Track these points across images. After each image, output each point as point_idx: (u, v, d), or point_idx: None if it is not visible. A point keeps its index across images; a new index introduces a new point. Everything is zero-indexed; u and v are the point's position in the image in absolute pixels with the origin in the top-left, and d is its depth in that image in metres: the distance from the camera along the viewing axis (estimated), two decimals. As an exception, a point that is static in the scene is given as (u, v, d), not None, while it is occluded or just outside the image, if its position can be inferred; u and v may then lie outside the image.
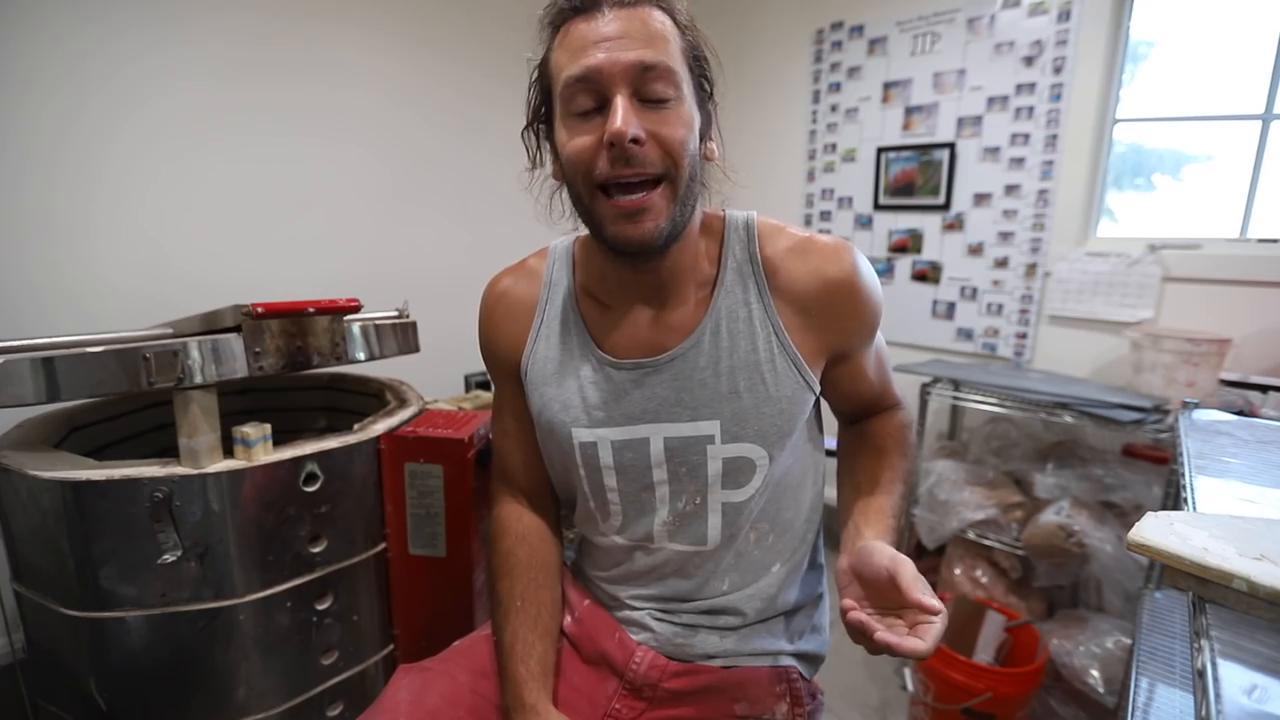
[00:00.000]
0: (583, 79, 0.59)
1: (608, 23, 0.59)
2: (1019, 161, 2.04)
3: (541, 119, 0.68)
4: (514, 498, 0.84)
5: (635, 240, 0.62)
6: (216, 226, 1.73)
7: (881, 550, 0.59)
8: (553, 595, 0.78)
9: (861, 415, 0.83)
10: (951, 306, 2.25)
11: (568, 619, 0.83)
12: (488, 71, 2.27)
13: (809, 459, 0.79)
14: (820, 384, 0.74)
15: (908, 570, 0.56)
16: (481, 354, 0.83)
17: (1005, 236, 2.10)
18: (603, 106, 0.60)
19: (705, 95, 0.66)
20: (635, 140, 0.58)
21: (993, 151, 2.08)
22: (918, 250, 2.30)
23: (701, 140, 0.65)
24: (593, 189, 0.62)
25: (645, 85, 0.59)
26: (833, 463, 0.85)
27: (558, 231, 0.76)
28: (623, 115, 0.58)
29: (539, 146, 0.71)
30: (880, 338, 0.78)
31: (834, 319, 0.70)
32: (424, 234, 2.21)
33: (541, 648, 0.72)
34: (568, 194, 0.67)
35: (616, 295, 0.73)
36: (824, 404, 0.81)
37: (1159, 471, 1.69)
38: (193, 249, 1.69)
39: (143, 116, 1.58)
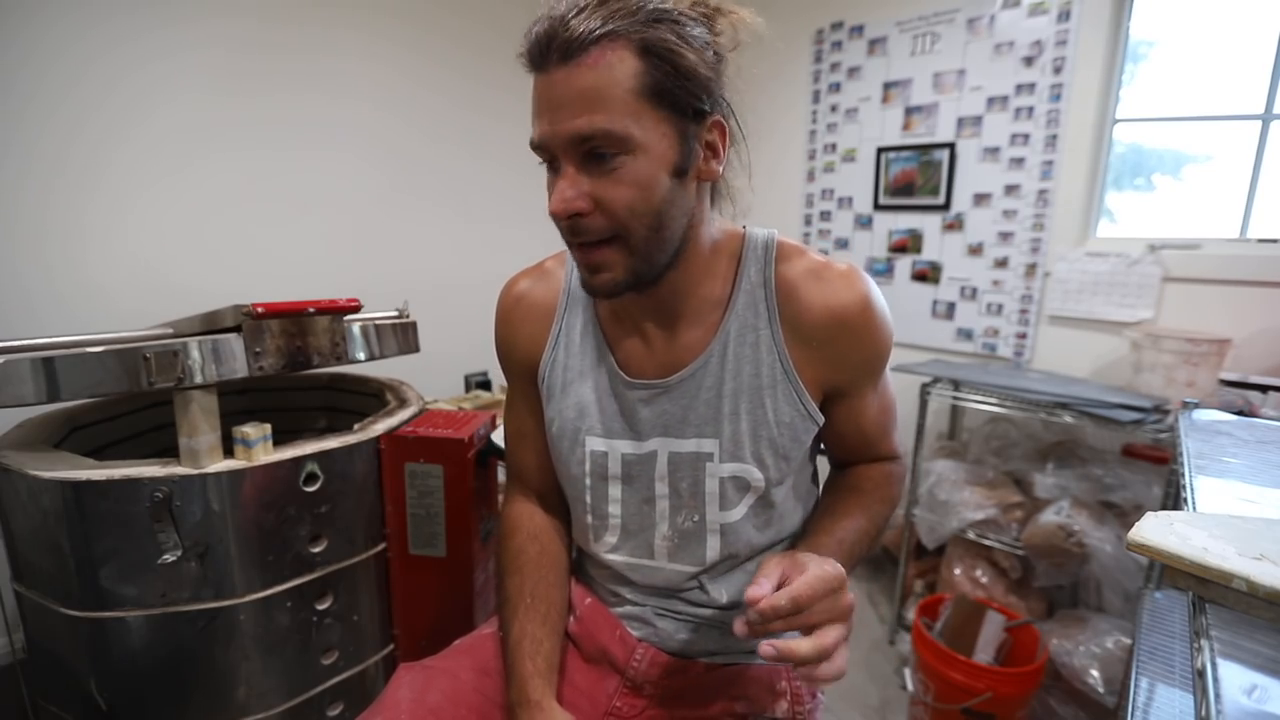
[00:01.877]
0: (537, 147, 0.60)
1: (553, 84, 0.57)
2: (1019, 161, 2.04)
3: None
4: (526, 497, 0.84)
5: (595, 289, 0.65)
6: (218, 232, 1.73)
7: (790, 557, 0.57)
8: (561, 594, 0.78)
9: (853, 460, 0.80)
10: (951, 306, 2.25)
11: (569, 617, 0.83)
12: (484, 79, 2.28)
13: (809, 487, 0.80)
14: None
15: (799, 574, 0.54)
16: (497, 354, 0.82)
17: (1005, 236, 2.10)
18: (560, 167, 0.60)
19: (699, 116, 0.61)
20: (577, 214, 0.59)
21: (993, 151, 2.08)
22: (918, 250, 2.30)
23: (682, 172, 0.61)
24: (565, 238, 0.64)
25: (587, 152, 0.58)
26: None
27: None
28: (559, 194, 0.59)
29: None
30: (889, 384, 0.76)
31: (837, 350, 0.69)
32: (424, 235, 2.21)
33: (549, 645, 0.72)
34: None
35: (629, 311, 0.73)
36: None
37: (1159, 471, 1.69)
38: (193, 256, 1.69)
39: (146, 124, 1.58)
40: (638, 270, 0.63)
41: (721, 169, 0.65)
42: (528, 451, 0.83)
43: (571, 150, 0.58)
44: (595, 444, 0.74)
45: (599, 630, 0.80)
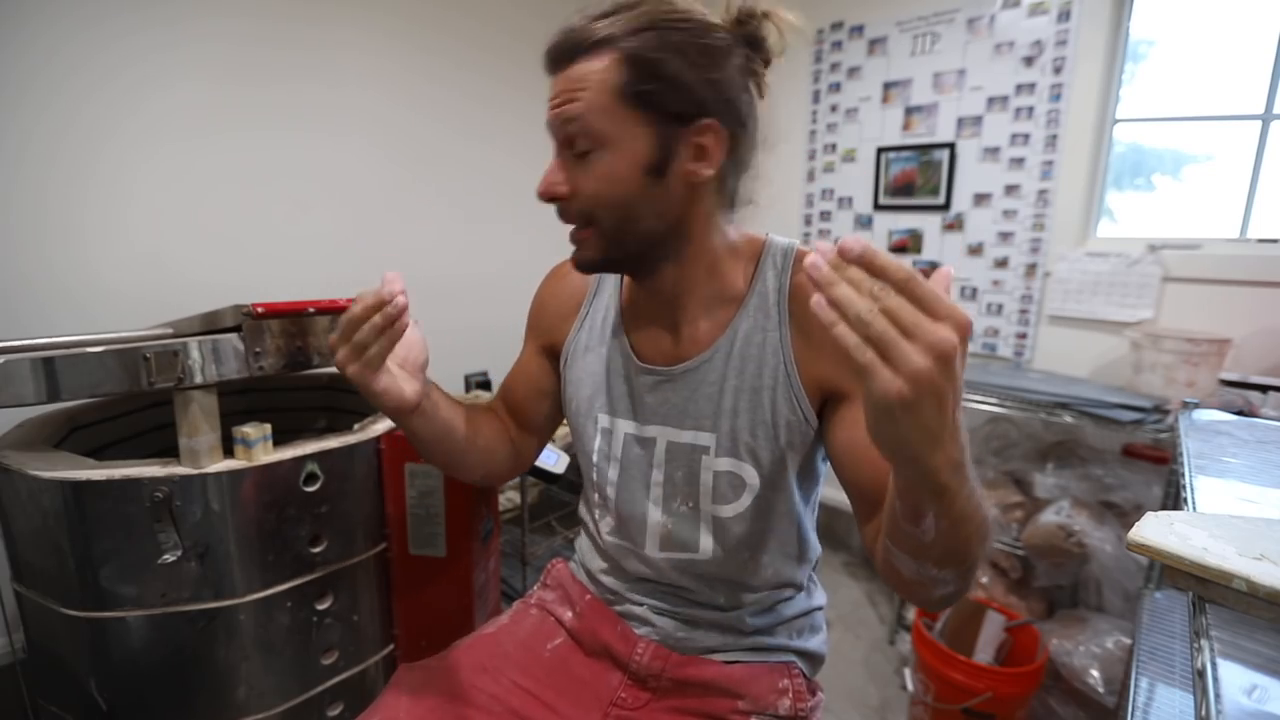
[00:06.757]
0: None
1: (555, 82, 0.65)
2: (1019, 161, 2.04)
3: None
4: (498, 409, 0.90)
5: (575, 264, 0.72)
6: (216, 228, 1.73)
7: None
8: (471, 425, 0.81)
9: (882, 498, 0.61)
10: (951, 306, 2.25)
11: (569, 614, 0.85)
12: (487, 72, 2.28)
13: (807, 493, 0.77)
14: (823, 437, 0.70)
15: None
16: (529, 316, 0.89)
17: (1005, 236, 2.10)
18: None
19: (685, 119, 0.62)
20: (555, 198, 0.67)
21: (993, 151, 2.08)
22: (917, 250, 2.30)
23: (658, 171, 0.63)
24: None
25: (569, 140, 0.65)
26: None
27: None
28: (544, 177, 0.67)
29: None
30: None
31: (833, 344, 0.66)
32: (424, 234, 2.21)
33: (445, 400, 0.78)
34: None
35: (643, 303, 0.77)
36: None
37: (1159, 471, 1.69)
38: (192, 250, 1.69)
39: (141, 117, 1.58)
40: (609, 253, 0.69)
41: (712, 172, 0.65)
42: (516, 380, 0.89)
43: (560, 138, 0.66)
44: (603, 421, 0.78)
45: (599, 625, 0.81)
